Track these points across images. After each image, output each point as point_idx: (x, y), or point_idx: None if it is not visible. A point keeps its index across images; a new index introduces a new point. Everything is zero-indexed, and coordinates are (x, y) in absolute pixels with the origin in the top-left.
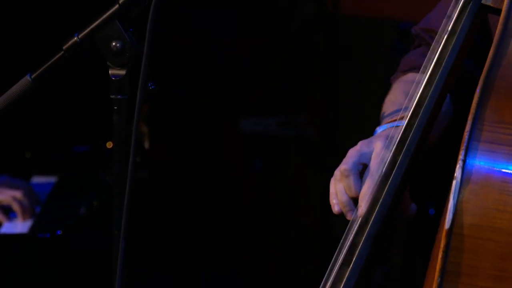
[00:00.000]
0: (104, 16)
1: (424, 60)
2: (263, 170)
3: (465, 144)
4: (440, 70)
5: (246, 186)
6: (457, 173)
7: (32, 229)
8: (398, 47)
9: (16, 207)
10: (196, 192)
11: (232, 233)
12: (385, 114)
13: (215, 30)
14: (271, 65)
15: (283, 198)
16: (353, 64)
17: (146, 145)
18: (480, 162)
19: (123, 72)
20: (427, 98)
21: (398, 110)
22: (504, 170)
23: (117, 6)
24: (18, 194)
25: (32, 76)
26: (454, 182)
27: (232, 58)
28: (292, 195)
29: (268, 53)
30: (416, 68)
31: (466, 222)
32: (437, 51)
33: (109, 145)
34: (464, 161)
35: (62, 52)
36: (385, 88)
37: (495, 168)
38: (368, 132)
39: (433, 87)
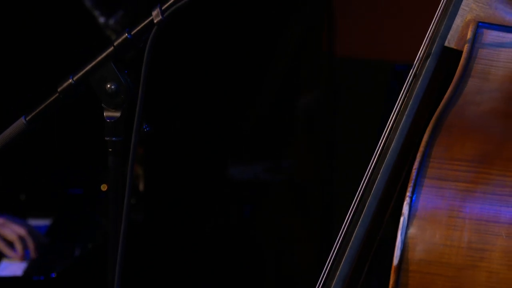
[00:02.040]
0: (99, 58)
1: None
2: (252, 216)
3: (412, 181)
4: (404, 117)
5: (235, 233)
6: (405, 209)
7: (27, 271)
8: (393, 88)
9: (18, 244)
10: (189, 236)
11: (223, 279)
12: None
13: (205, 74)
14: (260, 108)
15: (272, 244)
16: (347, 105)
17: (141, 187)
18: (427, 198)
19: (117, 114)
20: (391, 146)
21: None
22: (451, 206)
23: (112, 48)
24: (22, 231)
25: (27, 118)
26: (401, 219)
27: (223, 103)
28: (282, 241)
29: (258, 95)
30: None
31: (414, 258)
32: (401, 97)
33: (104, 187)
34: (411, 197)
35: (57, 94)
36: (379, 128)
37: (442, 204)
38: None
39: (397, 135)
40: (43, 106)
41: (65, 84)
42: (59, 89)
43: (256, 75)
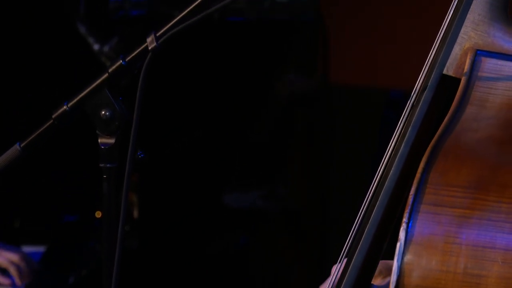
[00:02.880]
0: (93, 85)
1: None
2: (247, 243)
3: (409, 207)
4: (402, 145)
5: (230, 260)
6: (401, 235)
7: None
8: (388, 115)
9: (13, 270)
10: (184, 264)
11: None
12: None
13: (200, 101)
14: (255, 136)
15: (268, 271)
16: (341, 132)
17: (135, 214)
18: (423, 224)
19: (112, 140)
20: (390, 173)
21: None
22: (447, 231)
23: (106, 74)
24: (15, 257)
25: (21, 145)
26: (398, 244)
27: (217, 129)
28: (278, 268)
29: (253, 123)
30: None
31: (411, 284)
32: (399, 125)
33: (98, 214)
34: (407, 223)
35: (52, 121)
36: (374, 154)
37: (438, 230)
38: (356, 199)
39: (395, 163)
40: (37, 132)
41: (60, 111)
42: (53, 116)
43: (251, 103)
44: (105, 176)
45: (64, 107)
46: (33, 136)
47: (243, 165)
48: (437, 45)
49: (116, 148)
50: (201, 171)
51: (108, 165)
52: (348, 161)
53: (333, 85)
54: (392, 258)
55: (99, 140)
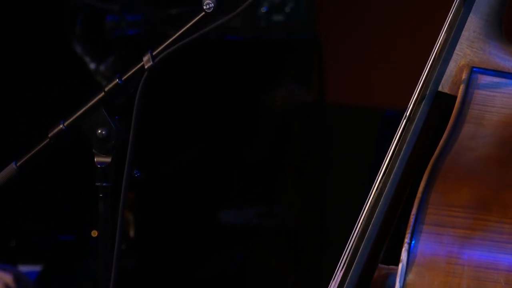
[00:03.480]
0: (90, 104)
1: None
2: (244, 261)
3: (410, 228)
4: (398, 161)
5: (227, 278)
6: (403, 256)
7: None
8: (384, 134)
9: None
10: (181, 282)
11: None
12: None
13: (197, 120)
14: (252, 154)
15: None
16: (338, 152)
17: (132, 233)
18: (426, 245)
19: (108, 159)
20: (386, 188)
21: None
22: (449, 252)
23: (102, 93)
24: (8, 278)
25: (18, 164)
26: (400, 265)
27: (215, 148)
28: (275, 286)
29: (249, 142)
30: None
31: None
32: (394, 141)
33: (94, 233)
34: (409, 244)
35: (48, 140)
36: (370, 173)
37: (440, 250)
38: (352, 217)
39: (390, 180)
40: (34, 151)
41: (56, 130)
42: (50, 135)
43: (247, 121)
44: (101, 195)
45: (60, 126)
46: (29, 154)
47: (241, 183)
48: (431, 61)
49: (112, 167)
50: (198, 189)
51: (104, 184)
52: (344, 179)
53: (329, 104)
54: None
55: (95, 159)
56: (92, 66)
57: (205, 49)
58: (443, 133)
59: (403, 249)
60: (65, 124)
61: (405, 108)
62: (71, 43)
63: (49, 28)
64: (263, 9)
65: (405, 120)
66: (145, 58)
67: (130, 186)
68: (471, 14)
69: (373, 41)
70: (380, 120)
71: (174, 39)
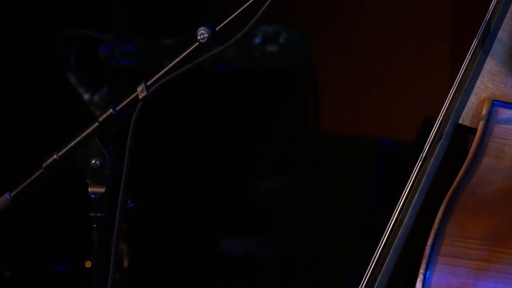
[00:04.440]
0: (83, 134)
1: None
2: None
3: (426, 258)
4: (416, 194)
5: None
6: (418, 286)
7: None
8: (378, 165)
9: None
10: None
11: None
12: None
13: (194, 148)
14: (251, 185)
15: None
16: (333, 181)
17: (126, 263)
18: (440, 276)
19: (102, 189)
20: (403, 222)
21: None
22: (464, 284)
23: (96, 123)
24: None
25: (12, 194)
26: None
27: (212, 178)
28: None
29: (248, 172)
30: None
31: None
32: (414, 173)
33: (88, 264)
34: (424, 274)
35: (42, 170)
36: (365, 203)
37: (455, 282)
38: (348, 247)
39: (409, 211)
40: (27, 181)
41: (50, 160)
42: (43, 165)
43: (243, 150)
44: (95, 225)
45: (54, 156)
46: (23, 185)
47: (241, 212)
48: (453, 93)
49: (106, 197)
50: (196, 218)
51: (98, 214)
52: (339, 209)
53: (324, 134)
54: None
55: (89, 189)
56: (86, 96)
57: (199, 79)
58: (462, 165)
59: (418, 280)
60: (59, 155)
61: (399, 138)
62: (65, 73)
63: (43, 58)
64: (257, 40)
65: (424, 152)
66: (139, 88)
67: (124, 216)
68: (493, 47)
69: (367, 71)
70: (374, 149)
71: (168, 69)
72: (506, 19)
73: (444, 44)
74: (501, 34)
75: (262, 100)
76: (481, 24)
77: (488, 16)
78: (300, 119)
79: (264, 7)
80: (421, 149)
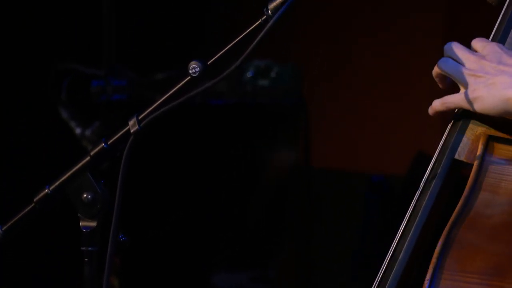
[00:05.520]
0: (75, 168)
1: None
2: None
3: None
4: (413, 227)
5: None
6: None
7: None
8: (370, 200)
9: None
10: None
11: None
12: None
13: (185, 182)
14: (243, 218)
15: None
16: (325, 217)
17: None
18: None
19: (94, 223)
20: (401, 252)
21: None
22: None
23: (88, 157)
24: None
25: (3, 228)
26: None
27: (203, 212)
28: None
29: (240, 207)
30: None
31: None
32: (411, 207)
33: None
34: None
35: (33, 204)
36: (357, 238)
37: None
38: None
39: (406, 243)
40: (19, 216)
41: (41, 194)
42: (35, 199)
43: (235, 185)
44: (86, 260)
45: (46, 190)
46: (14, 219)
47: (232, 247)
48: (449, 129)
49: (98, 231)
50: (189, 252)
51: (89, 248)
52: (331, 245)
53: (316, 169)
54: None
55: (80, 223)
56: (78, 131)
57: (191, 114)
58: (459, 199)
59: None
60: (50, 189)
61: (391, 173)
62: (56, 108)
63: (34, 93)
64: (249, 74)
65: (421, 187)
66: (131, 122)
67: (116, 251)
68: None
69: (359, 105)
70: (366, 184)
71: (160, 103)
72: None
73: None
74: None
75: (254, 134)
76: None
77: None
78: (291, 153)
79: (256, 41)
80: (413, 184)
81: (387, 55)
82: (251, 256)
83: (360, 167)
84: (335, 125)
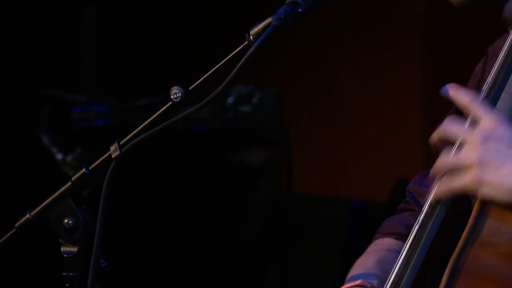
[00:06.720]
0: (56, 194)
1: (402, 228)
2: None
3: None
4: (416, 253)
5: None
6: None
7: None
8: (350, 224)
9: None
10: None
11: None
12: (348, 277)
13: (167, 208)
14: (228, 244)
15: None
16: (307, 242)
17: None
18: None
19: (75, 249)
20: (403, 280)
21: (360, 275)
22: None
23: (69, 183)
24: None
25: None
26: None
27: (188, 238)
28: None
29: (221, 232)
30: (394, 234)
31: None
32: (413, 232)
33: None
34: None
35: (14, 230)
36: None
37: None
38: None
39: (409, 269)
40: (0, 241)
41: (23, 220)
42: (16, 225)
43: (218, 212)
44: (67, 285)
45: (27, 215)
46: None
47: (215, 272)
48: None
49: (79, 257)
50: (170, 279)
51: (71, 274)
52: (312, 268)
53: (297, 195)
54: None
55: (62, 249)
56: (59, 156)
57: (172, 139)
58: (464, 227)
59: None
60: (31, 214)
61: (372, 198)
62: (38, 134)
63: (16, 119)
64: (231, 100)
65: (426, 213)
66: (112, 148)
67: (98, 276)
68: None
69: (340, 132)
70: (347, 209)
71: (141, 128)
72: None
73: (418, 106)
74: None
75: (235, 160)
76: None
77: None
78: (273, 179)
79: (237, 67)
80: (393, 209)
81: (368, 82)
82: (232, 281)
83: (341, 193)
84: (316, 151)
